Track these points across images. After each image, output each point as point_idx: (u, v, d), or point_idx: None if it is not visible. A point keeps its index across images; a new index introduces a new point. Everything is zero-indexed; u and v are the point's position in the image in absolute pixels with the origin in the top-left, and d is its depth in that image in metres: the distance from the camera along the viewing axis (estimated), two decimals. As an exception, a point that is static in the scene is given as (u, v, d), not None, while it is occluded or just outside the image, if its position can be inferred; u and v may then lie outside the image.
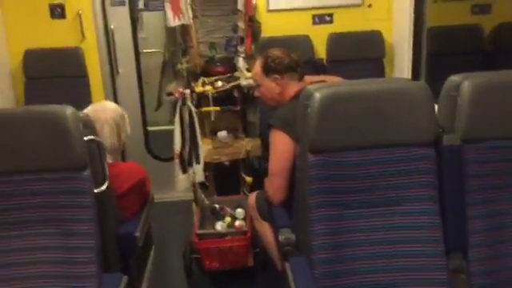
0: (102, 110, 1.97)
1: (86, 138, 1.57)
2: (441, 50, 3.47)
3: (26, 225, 1.56)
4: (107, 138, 1.92)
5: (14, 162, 1.54)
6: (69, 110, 1.53)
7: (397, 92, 1.60)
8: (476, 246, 1.58)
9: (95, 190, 1.59)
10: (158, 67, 4.54)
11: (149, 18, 4.78)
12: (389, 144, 1.59)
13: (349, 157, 1.58)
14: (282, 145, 2.02)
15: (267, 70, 2.20)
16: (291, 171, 2.00)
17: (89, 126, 1.64)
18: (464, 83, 1.57)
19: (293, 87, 2.18)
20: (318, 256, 1.56)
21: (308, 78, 2.27)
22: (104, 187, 1.63)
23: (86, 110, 1.90)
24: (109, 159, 1.86)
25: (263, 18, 3.31)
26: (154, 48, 4.68)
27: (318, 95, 1.56)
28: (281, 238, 1.86)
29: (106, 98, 3.56)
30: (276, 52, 2.22)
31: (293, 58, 2.21)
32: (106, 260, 1.66)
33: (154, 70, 4.31)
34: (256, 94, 2.36)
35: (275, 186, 2.07)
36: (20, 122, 1.54)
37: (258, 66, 2.25)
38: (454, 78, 1.63)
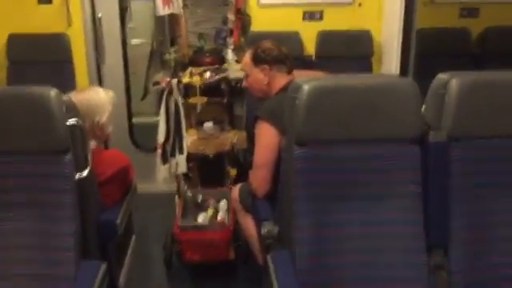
0: (99, 95, 1.95)
1: (68, 122, 1.54)
2: (429, 52, 3.50)
3: (4, 208, 1.53)
4: (105, 123, 1.91)
5: (-5, 142, 1.51)
6: (53, 92, 1.50)
7: (384, 87, 1.59)
8: (457, 243, 1.58)
9: (76, 175, 1.56)
10: (146, 58, 4.54)
11: (138, 8, 4.72)
12: (375, 139, 1.59)
13: (334, 150, 1.58)
14: (267, 137, 2.01)
15: (256, 59, 2.19)
16: (276, 164, 1.99)
17: (72, 109, 1.61)
18: (452, 81, 1.58)
19: (281, 80, 2.17)
20: (301, 249, 1.55)
21: (296, 73, 2.27)
22: (86, 173, 1.60)
23: (74, 93, 1.86)
24: (93, 145, 1.83)
25: (254, 12, 3.28)
26: (142, 38, 4.63)
27: (306, 87, 1.55)
28: (263, 230, 1.85)
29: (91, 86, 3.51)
30: (266, 43, 2.22)
31: (282, 50, 2.21)
32: (85, 246, 1.63)
33: (141, 60, 4.27)
34: (244, 84, 2.34)
35: (259, 177, 2.06)
36: (2, 101, 1.50)
37: (247, 55, 2.24)
38: (442, 76, 1.63)
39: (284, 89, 2.11)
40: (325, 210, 1.58)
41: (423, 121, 1.61)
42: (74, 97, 1.80)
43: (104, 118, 1.94)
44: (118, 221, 1.83)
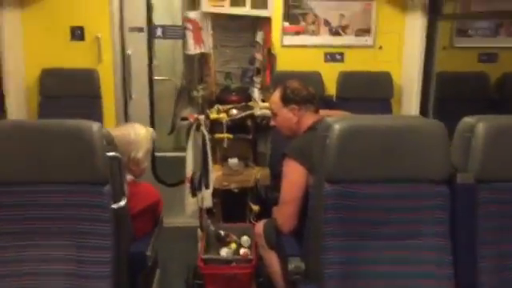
0: (136, 131, 2.02)
1: (108, 154, 1.61)
2: (448, 95, 3.56)
3: (43, 235, 1.58)
4: (141, 158, 1.98)
5: (37, 171, 1.57)
6: (95, 126, 1.58)
7: (414, 129, 1.65)
8: (486, 285, 1.59)
9: (113, 206, 1.62)
10: (167, 94, 4.66)
11: (160, 46, 4.89)
12: (404, 179, 1.63)
13: (364, 189, 1.63)
14: (295, 174, 2.06)
15: (285, 99, 2.26)
16: (302, 201, 2.03)
17: (111, 142, 1.68)
18: (478, 125, 1.63)
19: (308, 119, 2.24)
20: (329, 285, 1.58)
21: (323, 112, 2.33)
22: (122, 203, 1.65)
23: (113, 128, 1.94)
24: (128, 178, 1.89)
25: (277, 52, 3.40)
26: (164, 75, 4.77)
27: (337, 127, 1.62)
28: (290, 266, 1.87)
29: (118, 121, 3.61)
30: (294, 84, 2.29)
31: (310, 90, 2.28)
32: (117, 277, 1.67)
33: (162, 96, 4.42)
34: (272, 123, 2.41)
35: (286, 214, 2.09)
36: (48, 133, 1.58)
37: (276, 95, 2.31)
38: (468, 120, 1.69)
39: (312, 128, 2.17)
40: (354, 247, 1.61)
41: (451, 162, 1.65)
42: (113, 132, 1.89)
43: (140, 154, 2.01)
44: (149, 253, 1.87)
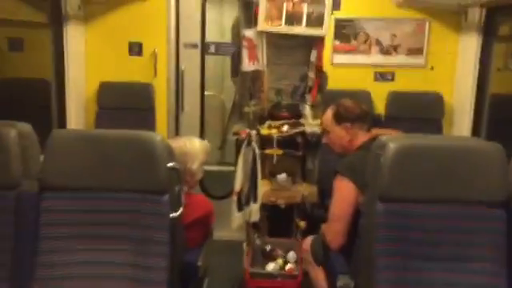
0: (192, 143, 2.10)
1: (168, 165, 1.68)
2: (501, 117, 3.47)
3: (104, 240, 1.66)
4: (195, 170, 2.05)
5: (103, 179, 1.66)
6: (158, 137, 1.65)
7: (471, 150, 1.64)
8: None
9: (171, 215, 1.68)
10: (214, 109, 4.76)
11: (209, 63, 5.02)
12: (459, 200, 1.62)
13: (418, 208, 1.62)
14: (346, 191, 2.07)
15: (339, 118, 2.29)
16: (352, 218, 2.04)
17: (171, 153, 1.76)
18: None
19: (361, 137, 2.25)
20: (381, 305, 1.58)
21: (375, 131, 2.34)
22: (179, 213, 1.71)
23: (171, 140, 2.02)
24: (190, 190, 1.96)
25: (327, 70, 3.42)
26: (211, 91, 4.89)
27: (392, 146, 1.63)
28: (339, 284, 1.88)
29: (170, 133, 3.73)
30: (347, 102, 2.31)
31: (363, 109, 2.30)
32: (171, 284, 1.73)
33: (209, 111, 4.52)
34: (324, 140, 2.43)
35: (335, 230, 2.10)
36: (113, 143, 1.67)
37: (329, 113, 2.34)
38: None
39: (363, 146, 2.18)
40: (405, 267, 1.61)
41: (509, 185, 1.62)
42: (170, 143, 1.97)
43: (195, 166, 2.08)
44: (200, 263, 1.92)
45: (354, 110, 2.28)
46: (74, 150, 1.68)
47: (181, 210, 1.74)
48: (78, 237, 1.66)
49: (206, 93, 4.42)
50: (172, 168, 1.71)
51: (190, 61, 3.82)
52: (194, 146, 2.10)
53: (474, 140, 1.80)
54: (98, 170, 1.66)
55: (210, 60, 4.83)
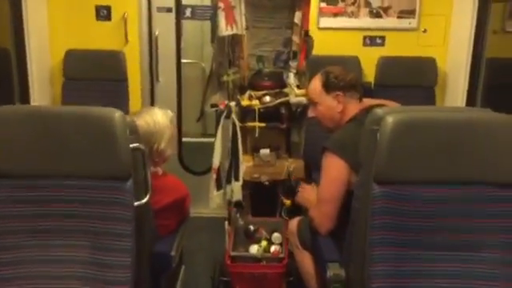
0: (156, 119, 1.85)
1: (131, 146, 1.44)
2: (498, 82, 3.28)
3: (60, 234, 1.44)
4: (164, 148, 1.84)
5: (54, 163, 1.42)
6: (117, 114, 1.41)
7: (480, 124, 1.42)
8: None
9: (135, 203, 1.45)
10: (194, 78, 4.51)
11: (188, 28, 4.73)
12: (467, 181, 1.42)
13: (419, 191, 1.42)
14: (336, 170, 1.86)
15: (328, 86, 2.05)
16: (343, 199, 1.84)
17: (134, 132, 1.52)
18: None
19: (353, 108, 2.03)
20: (376, 301, 1.39)
21: (367, 101, 2.12)
22: (146, 199, 1.49)
23: (136, 115, 1.77)
24: (159, 170, 1.73)
25: (313, 35, 3.18)
26: (191, 59, 4.61)
27: (390, 120, 1.41)
28: (329, 273, 1.69)
29: (144, 105, 3.48)
30: (336, 69, 2.08)
31: (353, 75, 2.08)
32: (138, 279, 1.52)
33: (189, 80, 4.26)
34: (310, 114, 2.21)
35: (324, 213, 1.91)
36: (65, 122, 1.42)
37: (317, 83, 2.10)
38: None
39: (354, 119, 1.97)
40: (405, 258, 1.43)
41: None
42: (151, 120, 1.74)
43: (163, 144, 1.84)
44: (173, 253, 1.72)
45: (345, 76, 2.05)
46: (20, 130, 1.44)
47: (148, 196, 1.51)
48: (28, 231, 1.44)
49: (184, 60, 4.16)
50: (136, 149, 1.47)
51: (165, 26, 3.53)
52: (158, 123, 1.84)
53: (483, 112, 1.58)
54: (48, 154, 1.43)
55: (188, 25, 4.54)
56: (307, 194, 2.23)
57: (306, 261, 2.14)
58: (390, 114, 1.43)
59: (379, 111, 1.49)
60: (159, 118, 1.88)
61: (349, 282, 1.64)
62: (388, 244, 1.42)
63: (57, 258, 1.43)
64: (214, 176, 2.44)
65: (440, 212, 1.42)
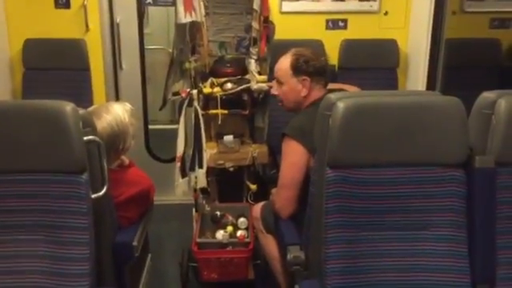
0: (118, 119, 1.83)
1: (85, 138, 1.44)
2: (457, 63, 3.35)
3: (15, 230, 1.44)
4: (129, 145, 1.84)
5: (6, 160, 1.41)
6: (69, 107, 1.40)
7: (427, 106, 1.47)
8: (505, 279, 1.45)
9: (92, 196, 1.46)
10: (162, 64, 4.46)
11: (154, 14, 4.66)
12: (415, 163, 1.46)
13: (371, 174, 1.46)
14: (295, 155, 1.90)
15: (297, 69, 2.06)
16: (303, 184, 1.87)
17: (89, 124, 1.51)
18: (500, 101, 1.45)
19: (317, 92, 2.05)
20: (333, 281, 1.44)
21: (331, 85, 2.15)
22: (102, 193, 1.49)
23: (94, 115, 1.74)
24: (114, 164, 1.72)
25: (275, 19, 3.15)
26: (158, 44, 4.56)
27: (341, 105, 1.44)
28: (289, 256, 1.73)
29: (108, 94, 3.43)
30: (307, 52, 2.08)
31: (322, 61, 2.09)
32: (99, 270, 1.53)
33: (157, 66, 4.21)
34: (273, 91, 2.21)
35: (284, 198, 1.95)
36: (15, 116, 1.41)
37: (286, 62, 2.10)
38: (488, 95, 1.50)
39: (314, 103, 1.99)
40: (359, 239, 1.47)
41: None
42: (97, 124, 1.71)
43: (129, 141, 1.83)
44: (135, 243, 1.73)
45: (315, 62, 2.05)
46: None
47: (105, 188, 1.51)
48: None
49: (150, 47, 4.11)
50: (90, 141, 1.47)
51: (127, 12, 3.46)
52: (121, 122, 1.81)
53: (431, 95, 1.62)
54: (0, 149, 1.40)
55: (155, 10, 4.48)
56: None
57: (270, 244, 2.17)
58: (342, 99, 1.46)
59: (332, 96, 1.52)
60: (120, 116, 1.83)
61: (308, 264, 1.68)
62: (342, 226, 1.45)
63: (14, 253, 1.42)
64: (178, 164, 2.44)
65: (391, 194, 1.47)
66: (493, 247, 1.45)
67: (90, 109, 1.82)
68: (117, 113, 1.83)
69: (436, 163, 1.46)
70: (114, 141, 1.79)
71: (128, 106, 1.91)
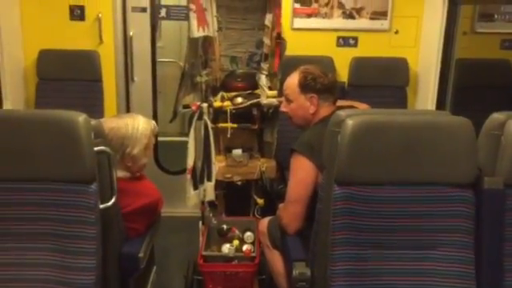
0: (135, 124, 1.86)
1: (96, 149, 1.45)
2: (467, 83, 3.35)
3: (22, 237, 1.45)
4: (137, 155, 1.86)
5: (16, 168, 1.43)
6: (81, 118, 1.42)
7: (436, 126, 1.47)
8: (512, 302, 1.44)
9: (101, 206, 1.47)
10: (173, 77, 4.50)
11: (167, 27, 4.72)
12: (424, 182, 1.46)
13: (379, 192, 1.46)
14: (303, 171, 1.90)
15: (305, 87, 2.07)
16: (310, 200, 1.87)
17: (100, 135, 1.53)
18: (510, 122, 1.45)
19: (326, 109, 2.06)
20: (338, 298, 1.43)
21: (340, 103, 2.16)
22: (110, 203, 1.50)
23: (109, 120, 1.76)
24: (122, 174, 1.75)
25: (287, 35, 3.20)
26: (170, 58, 4.61)
27: (350, 122, 1.44)
28: (295, 272, 1.72)
29: (119, 105, 3.47)
30: (316, 70, 2.09)
31: (330, 78, 2.10)
32: (105, 281, 1.54)
33: (168, 79, 4.26)
34: (282, 108, 2.22)
35: (291, 213, 1.94)
36: (27, 125, 1.43)
37: (294, 79, 2.11)
38: (498, 116, 1.51)
39: (323, 120, 2.00)
40: (366, 257, 1.46)
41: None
42: (110, 123, 1.73)
43: (136, 151, 1.84)
44: (141, 254, 1.73)
45: (323, 79, 2.06)
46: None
47: (114, 199, 1.53)
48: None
49: (162, 60, 4.15)
50: (101, 152, 1.48)
51: (140, 26, 3.52)
52: (135, 128, 1.84)
53: (440, 115, 1.63)
54: (12, 157, 1.43)
55: (168, 24, 4.54)
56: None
57: (275, 260, 2.17)
58: (351, 116, 1.47)
59: (341, 113, 1.53)
60: (139, 125, 1.89)
61: (314, 281, 1.68)
62: (349, 244, 1.45)
63: (20, 261, 1.43)
64: (189, 176, 2.46)
65: (399, 212, 1.46)
66: (500, 269, 1.44)
67: (115, 115, 1.86)
68: (138, 121, 1.89)
69: (444, 183, 1.46)
70: (122, 142, 1.81)
71: (153, 123, 1.98)
